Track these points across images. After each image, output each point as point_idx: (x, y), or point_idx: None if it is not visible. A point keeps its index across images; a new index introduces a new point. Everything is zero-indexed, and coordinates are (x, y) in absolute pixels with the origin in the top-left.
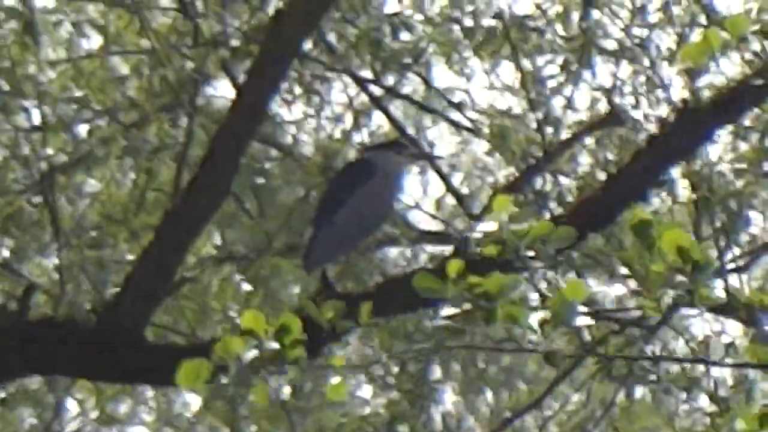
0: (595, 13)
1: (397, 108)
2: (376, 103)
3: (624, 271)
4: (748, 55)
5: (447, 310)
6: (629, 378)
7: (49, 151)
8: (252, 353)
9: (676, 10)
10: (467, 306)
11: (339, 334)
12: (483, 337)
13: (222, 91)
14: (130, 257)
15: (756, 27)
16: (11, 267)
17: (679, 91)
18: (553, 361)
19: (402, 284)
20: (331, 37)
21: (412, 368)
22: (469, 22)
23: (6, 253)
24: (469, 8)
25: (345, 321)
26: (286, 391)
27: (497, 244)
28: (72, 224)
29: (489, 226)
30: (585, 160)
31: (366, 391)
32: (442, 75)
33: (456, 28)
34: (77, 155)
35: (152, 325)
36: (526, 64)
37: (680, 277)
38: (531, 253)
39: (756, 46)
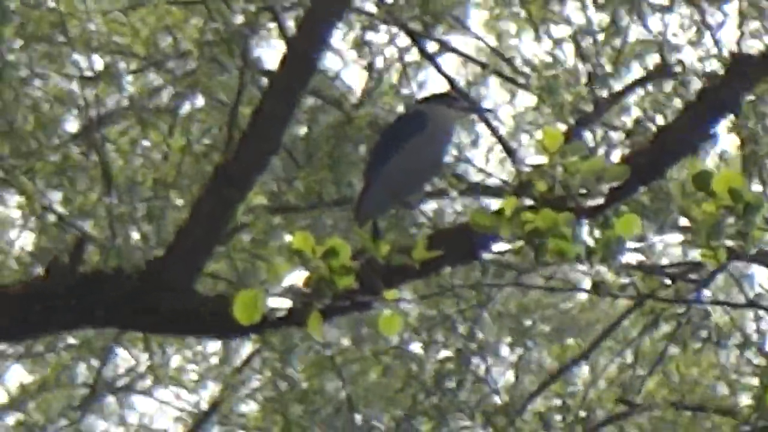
0: None
1: (447, 61)
2: (427, 56)
3: (676, 221)
4: None
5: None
6: (679, 330)
7: (100, 100)
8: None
9: None
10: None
11: (394, 275)
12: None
13: (273, 44)
14: (182, 211)
15: None
16: (63, 218)
17: (728, 45)
18: (600, 291)
19: (452, 236)
20: None
21: (462, 327)
22: None
23: (57, 205)
24: None
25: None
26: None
27: (548, 180)
28: (123, 177)
29: (538, 159)
30: (635, 113)
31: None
32: (490, 28)
33: None
34: (127, 106)
35: (204, 275)
36: (575, 16)
37: (732, 219)
38: (583, 191)
39: None
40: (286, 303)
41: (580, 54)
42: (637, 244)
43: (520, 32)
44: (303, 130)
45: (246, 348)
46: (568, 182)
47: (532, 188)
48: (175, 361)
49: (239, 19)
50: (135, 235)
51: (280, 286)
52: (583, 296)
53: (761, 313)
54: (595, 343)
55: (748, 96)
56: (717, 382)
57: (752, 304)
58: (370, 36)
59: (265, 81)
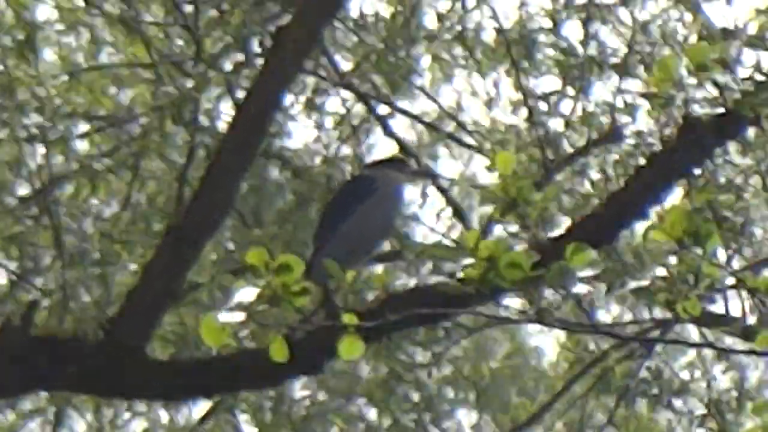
0: (596, 29)
1: (398, 123)
2: (378, 117)
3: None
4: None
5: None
6: (629, 391)
7: (50, 163)
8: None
9: (675, 25)
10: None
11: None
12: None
13: (223, 107)
14: (133, 273)
15: (715, 56)
16: (14, 283)
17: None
18: (544, 318)
19: (403, 301)
20: (333, 52)
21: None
22: (469, 37)
23: (9, 269)
24: (470, 25)
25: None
26: None
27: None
28: (74, 241)
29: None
30: (585, 178)
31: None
32: (443, 91)
33: (455, 44)
34: (77, 169)
35: (156, 337)
36: (526, 80)
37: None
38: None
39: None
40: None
41: (531, 118)
42: (588, 273)
43: (471, 95)
44: (252, 191)
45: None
46: (524, 211)
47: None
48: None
49: (188, 83)
50: (87, 298)
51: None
52: (533, 361)
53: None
54: (547, 405)
55: (701, 162)
56: None
57: (709, 345)
58: (320, 98)
59: (214, 143)
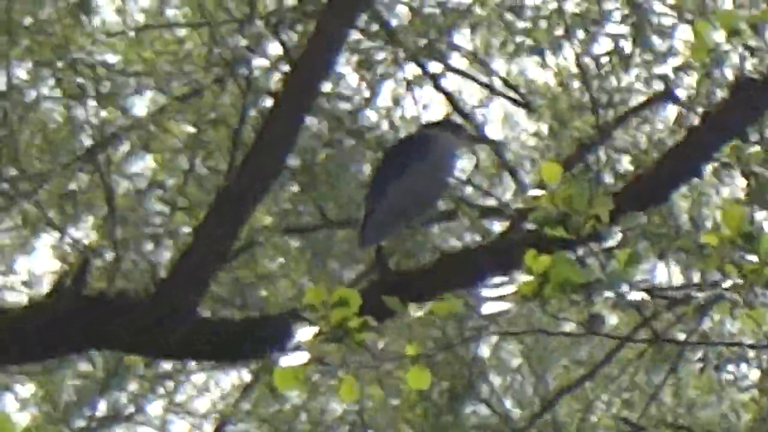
0: None
1: (452, 83)
2: (432, 78)
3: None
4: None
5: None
6: (679, 358)
7: (103, 121)
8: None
9: None
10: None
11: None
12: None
13: (277, 64)
14: (186, 233)
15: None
16: (67, 240)
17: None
18: (593, 326)
19: (457, 260)
20: (385, 12)
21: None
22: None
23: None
24: None
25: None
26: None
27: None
28: (127, 200)
29: (537, 194)
30: (640, 137)
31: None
32: (496, 53)
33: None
34: (129, 126)
35: (208, 296)
36: (579, 42)
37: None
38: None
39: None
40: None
41: (584, 78)
42: (642, 277)
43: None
44: (306, 151)
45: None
46: (568, 215)
47: (533, 218)
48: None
49: (242, 41)
50: (140, 258)
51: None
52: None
53: None
54: (596, 368)
55: (753, 119)
56: (716, 403)
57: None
58: (373, 57)
59: (268, 102)
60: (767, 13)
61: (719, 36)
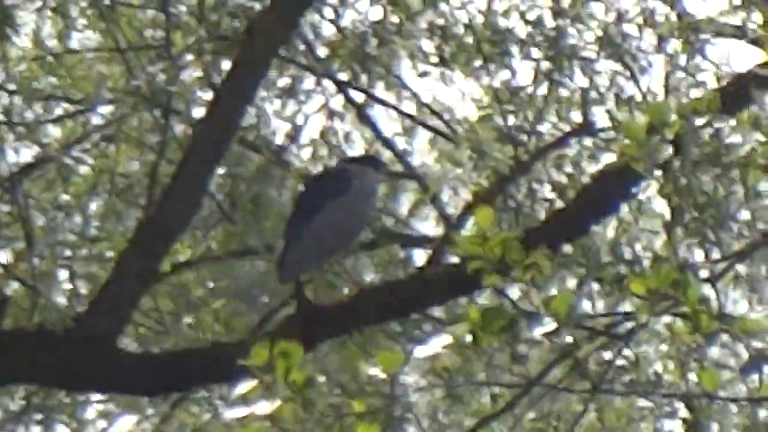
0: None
1: (375, 113)
2: (355, 106)
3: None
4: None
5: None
6: (603, 380)
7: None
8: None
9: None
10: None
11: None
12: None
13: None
14: (105, 266)
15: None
16: None
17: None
18: (518, 362)
19: (377, 294)
20: (310, 38)
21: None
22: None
23: None
24: (440, 21)
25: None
26: None
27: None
28: (45, 232)
29: (470, 238)
30: (559, 170)
31: None
32: (418, 83)
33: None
34: (46, 157)
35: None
36: (499, 72)
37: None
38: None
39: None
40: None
41: (503, 109)
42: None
43: (447, 84)
44: (225, 177)
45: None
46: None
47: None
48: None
49: (161, 70)
50: (58, 291)
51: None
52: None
53: None
54: (520, 394)
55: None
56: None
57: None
58: (297, 85)
59: (188, 132)
60: (699, 102)
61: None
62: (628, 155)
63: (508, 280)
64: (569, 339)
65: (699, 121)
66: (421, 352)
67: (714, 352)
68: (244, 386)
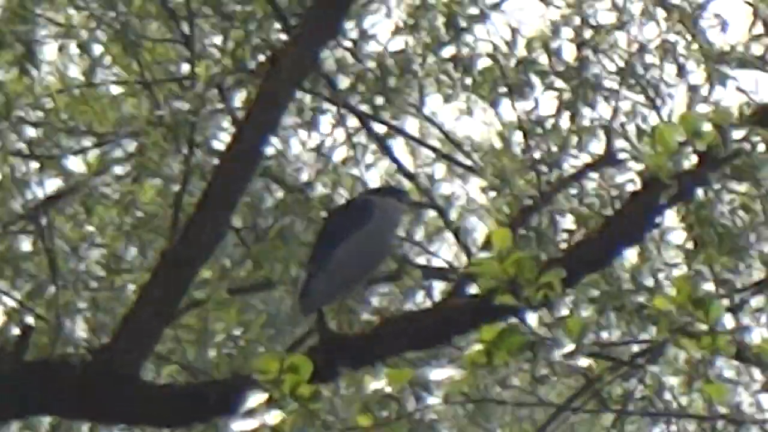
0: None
1: (396, 144)
2: (376, 138)
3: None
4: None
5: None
6: (625, 410)
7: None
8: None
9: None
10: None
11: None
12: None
13: (222, 125)
14: (128, 298)
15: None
16: (7, 304)
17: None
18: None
19: (399, 324)
20: (331, 71)
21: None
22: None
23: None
24: (465, 49)
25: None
26: None
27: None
28: (68, 263)
29: (486, 259)
30: (583, 200)
31: None
32: (440, 113)
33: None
34: (70, 188)
35: (152, 358)
36: (522, 103)
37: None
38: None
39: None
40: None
41: (528, 140)
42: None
43: (470, 115)
44: (250, 208)
45: None
46: (515, 279)
47: (482, 286)
48: None
49: (185, 102)
50: (81, 323)
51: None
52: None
53: None
54: (543, 426)
55: (699, 184)
56: None
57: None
58: (318, 117)
59: (212, 163)
60: (727, 113)
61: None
62: (654, 165)
63: (522, 301)
64: (586, 363)
65: (735, 134)
66: (435, 375)
67: (728, 373)
68: (254, 399)
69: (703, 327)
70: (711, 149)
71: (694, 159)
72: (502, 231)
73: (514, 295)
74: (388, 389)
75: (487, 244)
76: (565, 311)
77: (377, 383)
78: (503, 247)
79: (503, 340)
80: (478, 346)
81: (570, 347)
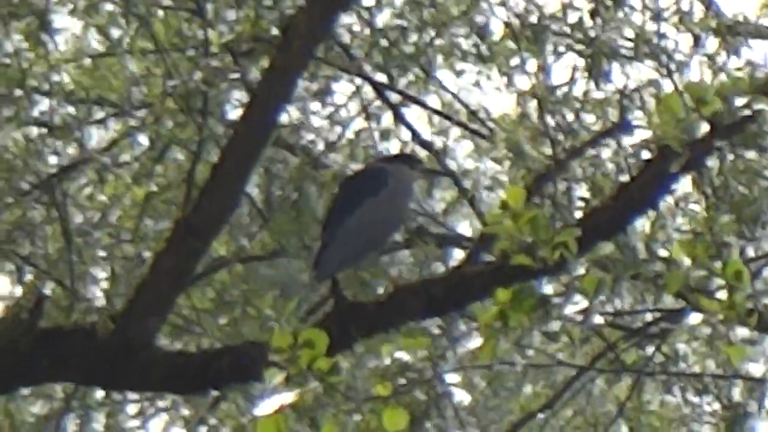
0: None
1: (411, 112)
2: (391, 107)
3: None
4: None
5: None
6: (640, 380)
7: (59, 152)
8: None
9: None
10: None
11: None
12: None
13: (236, 95)
14: (142, 266)
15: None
16: (22, 274)
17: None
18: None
19: (413, 292)
20: (345, 39)
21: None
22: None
23: (17, 259)
24: (479, 18)
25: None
26: None
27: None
28: (82, 232)
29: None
30: (597, 168)
31: None
32: (453, 81)
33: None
34: (85, 159)
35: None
36: (537, 71)
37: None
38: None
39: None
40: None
41: (542, 108)
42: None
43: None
44: (264, 180)
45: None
46: (531, 240)
47: (498, 247)
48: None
49: (199, 71)
50: (96, 291)
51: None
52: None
53: None
54: (558, 393)
55: (710, 152)
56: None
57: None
58: (333, 86)
59: (226, 133)
60: (736, 82)
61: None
62: (664, 133)
63: (537, 261)
64: (599, 320)
65: (739, 102)
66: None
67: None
68: (272, 378)
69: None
70: (717, 116)
71: (705, 128)
72: (517, 190)
73: (529, 256)
74: (406, 358)
75: (502, 208)
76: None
77: (395, 352)
78: (517, 207)
79: (518, 301)
80: (493, 309)
81: (583, 305)
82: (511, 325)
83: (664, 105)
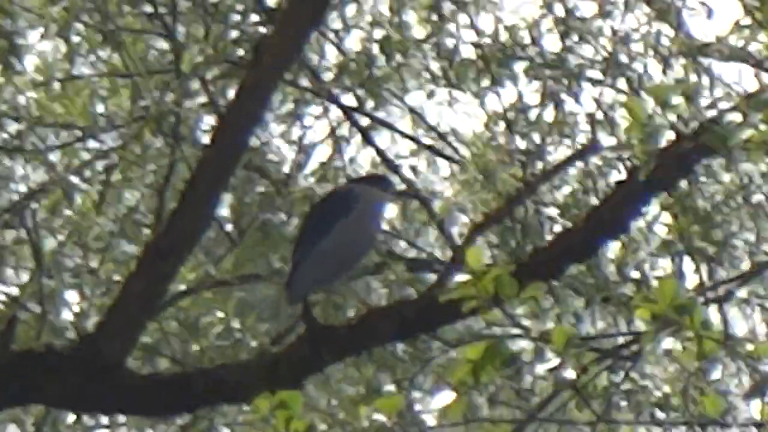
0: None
1: (380, 136)
2: (360, 130)
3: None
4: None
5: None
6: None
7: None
8: None
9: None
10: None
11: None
12: None
13: (205, 118)
14: (112, 287)
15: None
16: None
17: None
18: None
19: (385, 315)
20: (315, 62)
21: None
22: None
23: None
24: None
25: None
26: None
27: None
28: (52, 254)
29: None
30: (567, 191)
31: None
32: (424, 104)
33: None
34: (53, 181)
35: (137, 348)
36: (507, 93)
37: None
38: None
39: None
40: None
41: (511, 130)
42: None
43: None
44: (233, 203)
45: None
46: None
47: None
48: None
49: (169, 94)
50: (67, 313)
51: None
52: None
53: None
54: (527, 420)
55: (682, 177)
56: None
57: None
58: (301, 109)
59: (195, 155)
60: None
61: (651, 108)
62: (628, 141)
63: (506, 317)
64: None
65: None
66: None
67: (717, 374)
68: None
69: (689, 334)
70: (682, 119)
71: (670, 136)
72: (475, 250)
73: (498, 309)
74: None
75: (472, 236)
76: (550, 324)
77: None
78: (477, 267)
79: (488, 358)
80: (464, 368)
81: (555, 361)
82: (482, 381)
83: (626, 110)
